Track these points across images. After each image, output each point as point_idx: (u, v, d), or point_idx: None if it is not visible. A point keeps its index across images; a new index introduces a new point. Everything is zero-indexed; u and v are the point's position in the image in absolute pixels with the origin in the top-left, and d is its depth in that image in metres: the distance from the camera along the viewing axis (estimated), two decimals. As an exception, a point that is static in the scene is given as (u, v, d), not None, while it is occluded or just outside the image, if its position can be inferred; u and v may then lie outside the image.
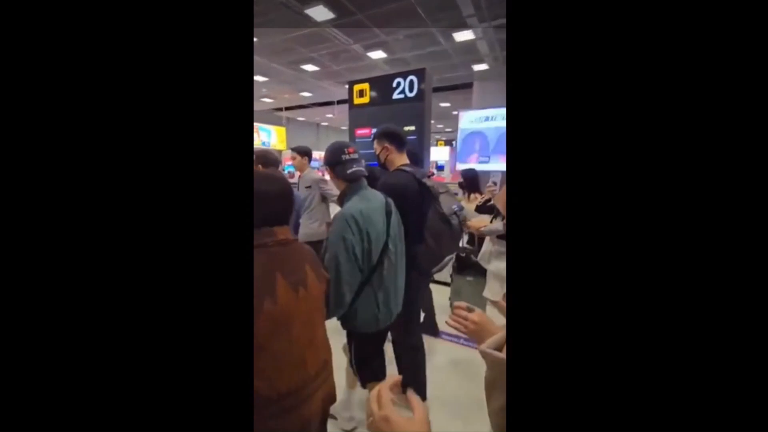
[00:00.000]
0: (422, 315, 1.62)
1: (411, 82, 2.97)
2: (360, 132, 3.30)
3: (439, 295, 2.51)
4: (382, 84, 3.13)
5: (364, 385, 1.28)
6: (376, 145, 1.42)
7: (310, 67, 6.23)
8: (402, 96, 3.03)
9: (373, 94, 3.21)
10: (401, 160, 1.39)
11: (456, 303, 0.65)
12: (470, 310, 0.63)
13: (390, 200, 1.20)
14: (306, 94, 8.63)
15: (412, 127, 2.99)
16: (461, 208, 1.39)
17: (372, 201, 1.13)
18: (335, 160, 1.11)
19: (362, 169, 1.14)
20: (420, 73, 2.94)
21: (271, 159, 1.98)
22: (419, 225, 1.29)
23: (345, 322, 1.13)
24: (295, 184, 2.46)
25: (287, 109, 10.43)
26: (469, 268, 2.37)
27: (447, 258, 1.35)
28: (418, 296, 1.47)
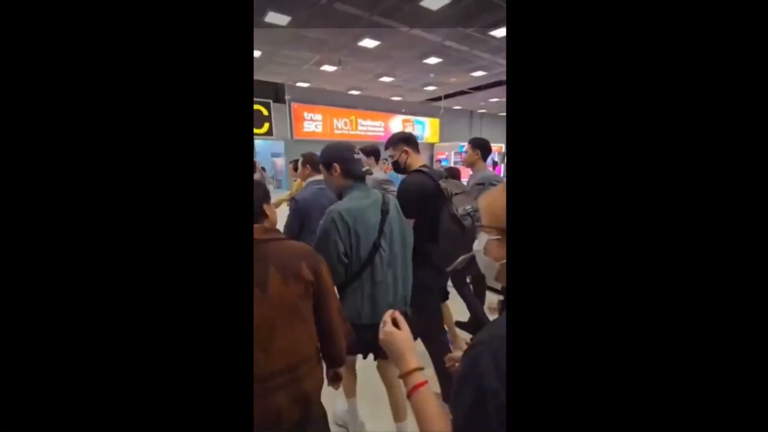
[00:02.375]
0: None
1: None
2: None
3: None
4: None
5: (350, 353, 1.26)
6: (392, 151, 1.49)
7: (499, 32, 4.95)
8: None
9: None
10: (418, 162, 1.48)
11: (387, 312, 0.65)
12: (385, 324, 0.61)
13: (389, 199, 1.20)
14: (479, 73, 7.40)
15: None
16: (476, 210, 1.43)
17: (367, 199, 1.14)
18: (345, 157, 1.14)
19: (368, 168, 1.21)
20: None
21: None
22: (435, 225, 1.36)
23: None
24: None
25: (446, 97, 9.63)
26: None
27: (460, 258, 1.36)
28: (434, 289, 1.50)
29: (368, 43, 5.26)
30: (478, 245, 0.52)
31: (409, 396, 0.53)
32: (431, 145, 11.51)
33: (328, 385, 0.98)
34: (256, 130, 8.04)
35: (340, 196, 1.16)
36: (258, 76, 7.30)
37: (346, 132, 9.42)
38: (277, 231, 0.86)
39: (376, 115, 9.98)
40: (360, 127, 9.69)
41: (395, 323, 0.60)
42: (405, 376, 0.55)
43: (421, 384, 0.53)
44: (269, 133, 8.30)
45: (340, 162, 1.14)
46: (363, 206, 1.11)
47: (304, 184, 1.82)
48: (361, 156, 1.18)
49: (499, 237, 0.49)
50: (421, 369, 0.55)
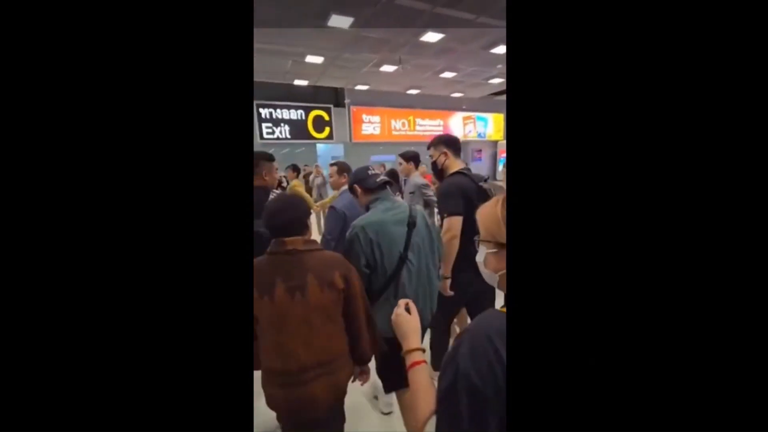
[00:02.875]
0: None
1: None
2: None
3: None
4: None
5: (386, 391, 1.34)
6: (433, 151, 1.54)
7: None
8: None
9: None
10: (457, 165, 1.51)
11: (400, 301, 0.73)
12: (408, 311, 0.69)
13: (416, 211, 1.24)
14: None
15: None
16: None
17: (391, 211, 1.19)
18: (361, 177, 1.26)
19: (385, 177, 1.25)
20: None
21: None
22: (475, 227, 1.31)
23: None
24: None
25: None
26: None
27: None
28: (469, 289, 1.50)
29: (430, 37, 5.11)
30: (479, 257, 0.55)
31: (407, 371, 0.61)
32: (495, 143, 10.81)
33: (353, 381, 1.07)
34: (317, 135, 8.42)
35: (366, 210, 1.26)
36: (320, 82, 7.60)
37: (403, 133, 9.35)
38: (315, 242, 0.99)
39: (435, 113, 9.77)
40: (418, 127, 9.56)
41: (408, 311, 0.69)
42: (407, 353, 0.62)
43: (419, 362, 0.60)
44: (330, 137, 8.62)
45: (358, 183, 1.26)
46: (385, 219, 1.16)
47: (337, 192, 1.94)
48: (377, 172, 1.28)
49: (495, 250, 0.52)
50: (422, 350, 0.63)
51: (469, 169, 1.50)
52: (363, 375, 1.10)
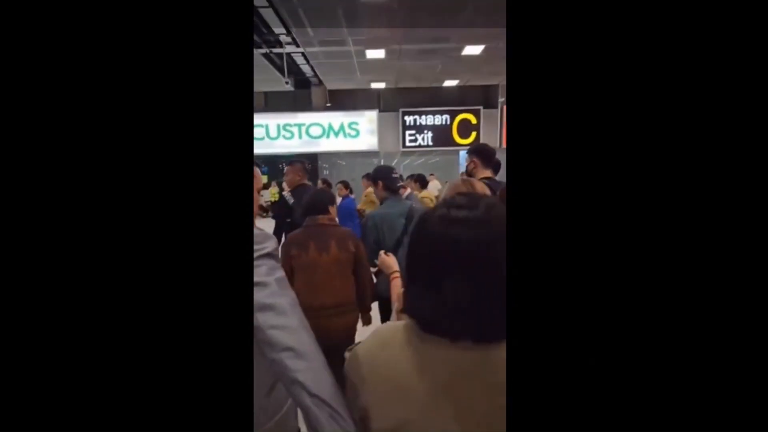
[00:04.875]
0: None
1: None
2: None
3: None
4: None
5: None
6: (467, 159, 1.81)
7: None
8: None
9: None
10: (483, 173, 1.71)
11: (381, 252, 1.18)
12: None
13: (416, 207, 1.76)
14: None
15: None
16: None
17: (396, 207, 1.75)
18: (387, 176, 1.81)
19: (402, 183, 1.76)
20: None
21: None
22: None
23: (374, 289, 1.73)
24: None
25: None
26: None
27: None
28: None
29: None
30: None
31: (390, 282, 1.07)
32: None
33: (362, 325, 1.65)
34: (462, 141, 8.16)
35: (381, 203, 1.83)
36: (473, 81, 7.25)
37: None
38: (335, 220, 1.65)
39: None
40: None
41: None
42: (390, 275, 1.08)
43: (396, 276, 1.06)
44: (476, 142, 8.15)
45: (383, 179, 1.80)
46: (391, 213, 1.73)
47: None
48: (396, 175, 1.85)
49: None
50: (398, 271, 1.07)
51: (492, 178, 1.69)
52: (365, 317, 1.68)
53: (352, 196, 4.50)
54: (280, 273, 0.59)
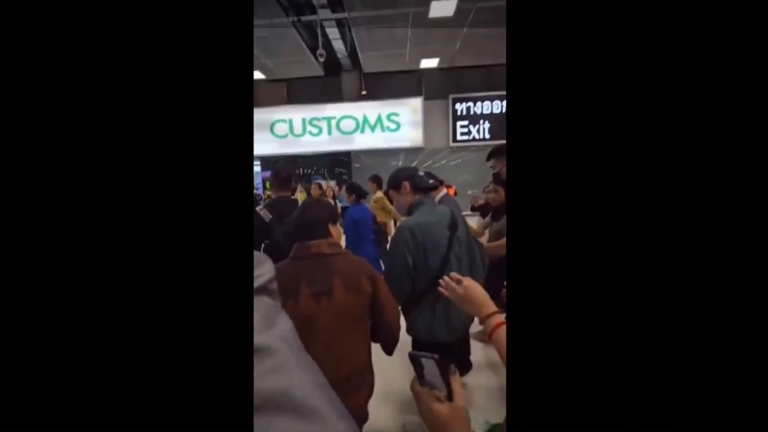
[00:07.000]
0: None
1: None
2: None
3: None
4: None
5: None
6: (494, 162, 1.56)
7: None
8: None
9: None
10: None
11: (451, 274, 0.76)
12: (459, 282, 0.72)
13: (457, 215, 1.26)
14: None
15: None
16: None
17: (435, 215, 1.22)
18: (412, 174, 1.27)
19: (434, 181, 1.28)
20: None
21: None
22: None
23: (408, 329, 1.23)
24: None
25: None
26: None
27: None
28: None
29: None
30: None
31: (490, 335, 0.65)
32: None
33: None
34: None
35: (409, 213, 1.25)
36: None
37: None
38: (339, 246, 1.03)
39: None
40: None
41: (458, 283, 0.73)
42: (485, 318, 0.67)
43: (501, 324, 0.64)
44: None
45: (407, 179, 1.26)
46: (431, 222, 1.21)
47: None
48: (423, 173, 1.28)
49: None
50: (498, 312, 0.66)
51: None
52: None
53: (366, 204, 3.16)
54: (283, 326, 0.40)
